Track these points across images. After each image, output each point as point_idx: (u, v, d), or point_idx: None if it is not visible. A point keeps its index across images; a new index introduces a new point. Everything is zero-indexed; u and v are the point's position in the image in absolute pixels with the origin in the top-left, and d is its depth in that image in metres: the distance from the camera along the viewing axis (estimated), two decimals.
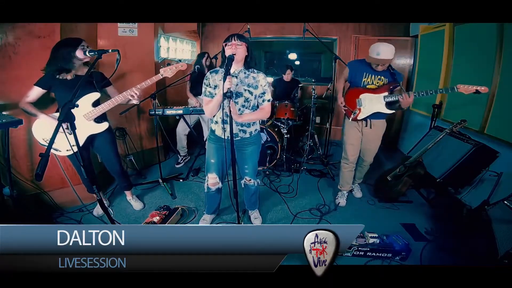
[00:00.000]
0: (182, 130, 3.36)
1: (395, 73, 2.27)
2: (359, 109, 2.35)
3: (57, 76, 1.88)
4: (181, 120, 3.31)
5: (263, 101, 1.86)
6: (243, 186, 2.14)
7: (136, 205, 2.50)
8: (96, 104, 1.98)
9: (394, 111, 2.31)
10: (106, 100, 1.99)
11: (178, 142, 3.43)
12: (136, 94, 1.97)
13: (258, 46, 6.14)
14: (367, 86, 2.33)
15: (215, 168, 2.00)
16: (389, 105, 2.29)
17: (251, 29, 3.76)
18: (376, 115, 2.34)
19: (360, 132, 2.45)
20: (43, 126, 1.92)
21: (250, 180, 2.10)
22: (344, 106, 2.43)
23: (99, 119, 2.02)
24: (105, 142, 2.13)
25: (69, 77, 1.89)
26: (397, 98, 2.22)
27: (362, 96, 2.32)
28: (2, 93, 2.06)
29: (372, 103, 2.31)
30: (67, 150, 1.96)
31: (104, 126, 2.05)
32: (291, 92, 3.88)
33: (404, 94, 2.14)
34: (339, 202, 2.63)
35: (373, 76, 2.31)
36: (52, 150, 1.95)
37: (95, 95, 1.97)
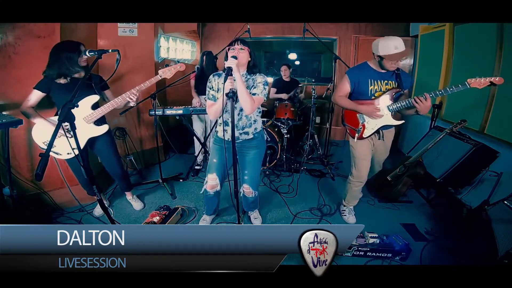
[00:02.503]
0: (200, 132, 3.37)
1: (400, 73, 1.98)
2: (363, 126, 2.05)
3: (56, 80, 1.88)
4: (194, 122, 3.33)
5: (251, 93, 1.76)
6: (241, 195, 2.09)
7: (136, 205, 2.50)
8: (95, 107, 1.99)
9: (403, 121, 2.05)
10: (105, 103, 1.99)
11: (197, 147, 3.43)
12: (135, 96, 1.97)
13: (258, 46, 6.14)
14: (375, 95, 2.00)
15: (216, 169, 1.99)
16: (394, 111, 2.01)
17: (251, 29, 3.77)
18: (386, 126, 2.07)
19: (372, 144, 2.16)
20: (41, 130, 1.92)
21: (249, 189, 2.02)
22: (344, 124, 2.17)
23: (98, 122, 2.03)
24: (105, 144, 2.13)
25: (62, 81, 1.89)
26: (403, 105, 1.93)
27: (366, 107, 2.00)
28: (2, 93, 2.06)
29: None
30: (68, 154, 1.96)
31: (104, 128, 2.05)
32: (290, 92, 3.88)
33: (418, 98, 1.83)
34: (348, 219, 2.36)
35: (379, 81, 1.98)
36: (52, 154, 1.95)
37: (95, 98, 1.98)
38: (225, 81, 1.57)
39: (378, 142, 2.15)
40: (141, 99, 2.07)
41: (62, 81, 1.88)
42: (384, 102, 1.99)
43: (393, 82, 1.99)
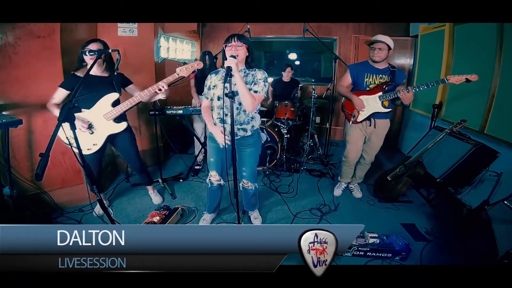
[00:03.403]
0: (200, 132, 3.36)
1: (395, 71, 2.27)
2: (358, 112, 2.38)
3: (77, 74, 1.95)
4: (194, 122, 3.32)
5: (252, 90, 1.76)
6: (241, 188, 2.13)
7: (156, 199, 2.57)
8: (115, 104, 2.03)
9: (391, 109, 2.36)
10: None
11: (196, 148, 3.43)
12: (163, 88, 2.00)
13: (258, 46, 6.14)
14: (370, 86, 2.34)
15: (215, 167, 2.03)
16: (392, 102, 2.33)
17: (251, 29, 3.76)
18: (380, 115, 2.36)
19: (363, 132, 2.47)
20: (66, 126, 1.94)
21: (248, 183, 2.09)
22: (343, 110, 2.51)
23: (118, 119, 2.07)
24: (125, 141, 2.19)
25: (79, 73, 1.96)
26: (392, 97, 2.26)
27: (360, 98, 2.35)
28: (2, 93, 2.06)
29: (369, 104, 2.33)
30: (88, 149, 2.00)
31: (122, 126, 2.10)
32: (290, 92, 3.88)
33: (403, 90, 2.17)
34: (335, 192, 2.78)
35: (374, 75, 2.32)
36: (75, 149, 1.97)
37: (114, 96, 2.02)
38: (225, 81, 1.56)
39: (370, 129, 2.43)
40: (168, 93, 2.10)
41: (79, 73, 1.96)
42: (371, 96, 2.34)
43: (386, 76, 2.30)
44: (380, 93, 2.30)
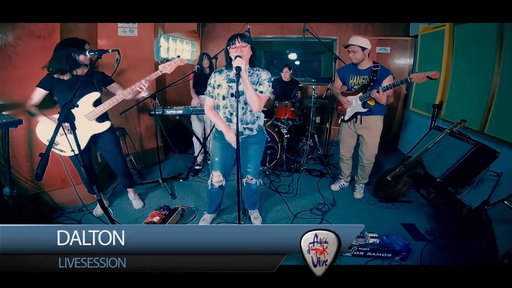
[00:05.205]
0: (200, 132, 3.36)
1: (377, 70, 2.33)
2: (345, 111, 2.58)
3: (56, 76, 1.89)
4: (193, 122, 3.32)
5: (257, 91, 1.80)
6: (244, 184, 2.15)
7: (136, 203, 2.51)
8: (97, 103, 2.00)
9: (369, 109, 2.43)
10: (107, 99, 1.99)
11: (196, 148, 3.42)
12: (145, 86, 1.97)
13: (258, 46, 6.11)
14: (354, 87, 2.48)
15: (219, 167, 2.02)
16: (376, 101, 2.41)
17: (251, 29, 3.76)
18: (368, 112, 2.45)
19: (351, 129, 2.61)
20: (45, 128, 1.93)
21: (252, 179, 2.10)
22: (336, 110, 2.73)
23: (100, 119, 2.03)
24: (108, 141, 2.14)
25: (65, 77, 1.90)
26: (368, 97, 2.36)
27: (347, 98, 2.53)
28: (2, 93, 2.06)
29: (353, 104, 2.49)
30: (72, 151, 1.97)
31: (106, 125, 2.06)
32: (290, 92, 3.88)
33: (373, 91, 2.27)
34: (332, 187, 2.91)
35: (357, 76, 2.45)
36: (57, 151, 1.96)
37: (95, 95, 1.98)
38: (237, 81, 1.59)
39: (358, 126, 2.55)
40: (152, 90, 2.08)
41: (64, 77, 1.90)
42: (354, 96, 2.49)
43: (367, 76, 2.38)
44: (361, 94, 2.42)
